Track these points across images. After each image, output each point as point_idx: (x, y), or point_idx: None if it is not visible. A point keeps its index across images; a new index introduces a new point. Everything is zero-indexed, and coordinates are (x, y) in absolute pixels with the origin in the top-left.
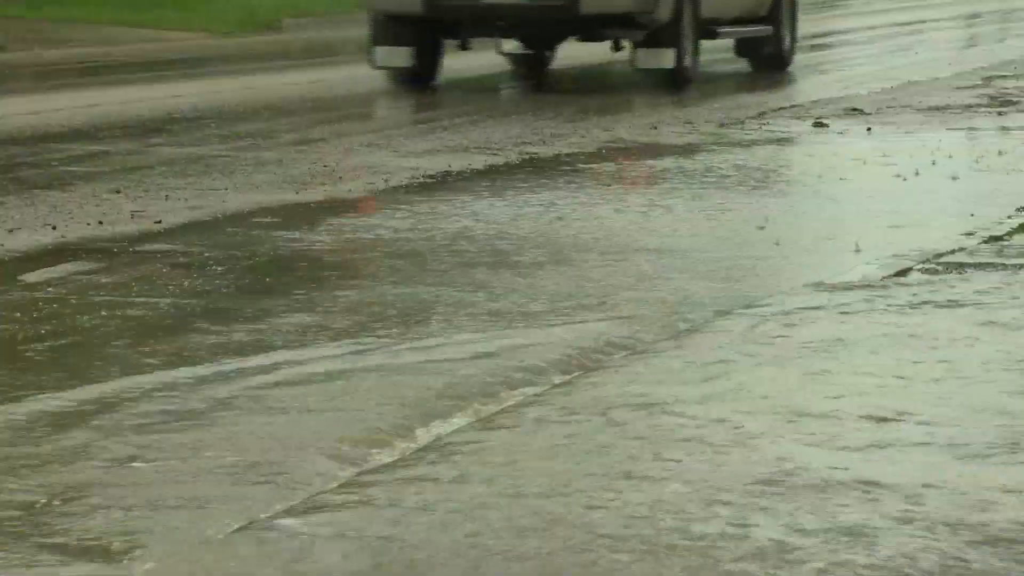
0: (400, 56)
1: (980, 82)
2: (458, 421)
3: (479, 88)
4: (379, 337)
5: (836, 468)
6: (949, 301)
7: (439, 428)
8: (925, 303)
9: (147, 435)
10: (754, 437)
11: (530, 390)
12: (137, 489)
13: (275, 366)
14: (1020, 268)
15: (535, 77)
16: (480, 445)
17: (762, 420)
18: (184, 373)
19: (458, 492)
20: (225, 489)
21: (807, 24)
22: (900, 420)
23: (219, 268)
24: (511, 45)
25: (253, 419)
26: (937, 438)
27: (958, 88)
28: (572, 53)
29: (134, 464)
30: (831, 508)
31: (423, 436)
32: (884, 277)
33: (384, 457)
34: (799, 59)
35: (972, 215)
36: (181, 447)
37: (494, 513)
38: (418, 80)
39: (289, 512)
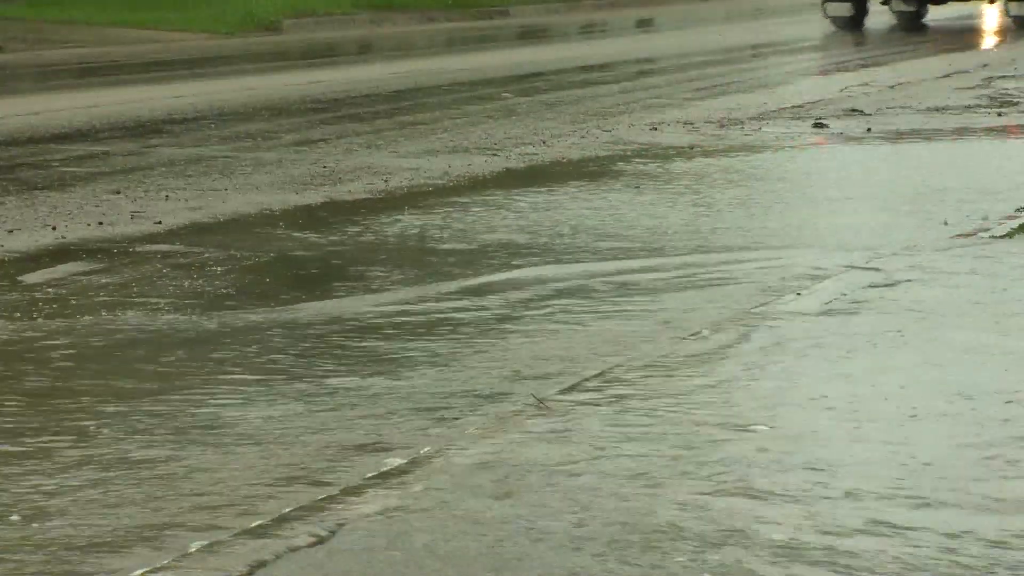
0: (843, 8)
1: (980, 82)
2: None
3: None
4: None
5: None
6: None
7: None
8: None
9: None
10: None
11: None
12: None
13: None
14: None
15: (915, 28)
16: None
17: None
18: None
19: None
20: None
21: (808, 24)
22: None
23: (233, 266)
24: (904, 4)
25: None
26: None
27: (958, 88)
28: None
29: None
30: None
31: None
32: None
33: None
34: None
35: (967, 216)
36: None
37: None
38: (852, 25)
39: None
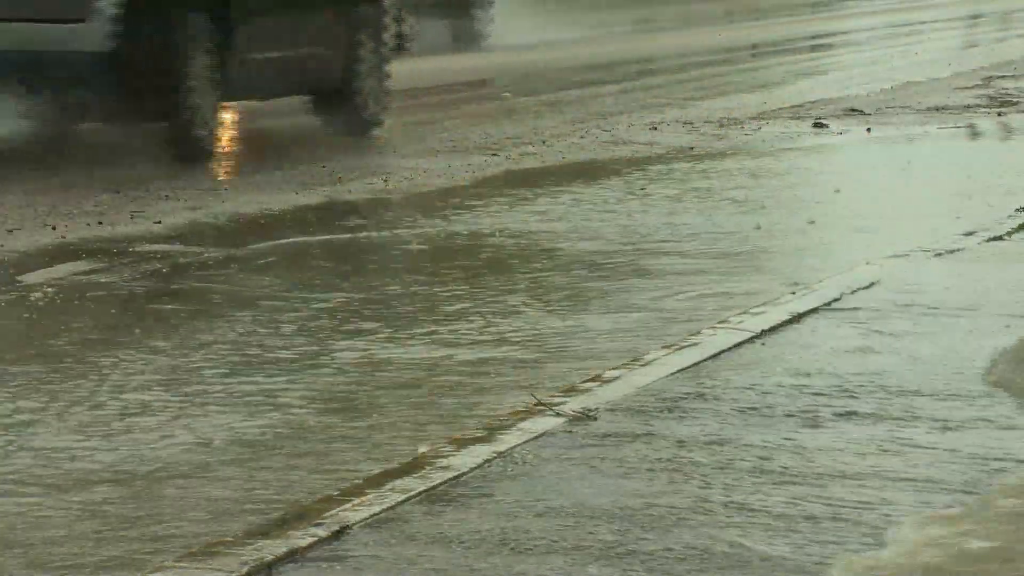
0: None
1: (980, 82)
2: None
3: None
4: None
5: None
6: None
7: None
8: None
9: None
10: None
11: None
12: None
13: None
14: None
15: None
16: None
17: None
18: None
19: None
20: None
21: (807, 24)
22: None
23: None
24: None
25: None
26: None
27: (958, 88)
28: None
29: None
30: None
31: None
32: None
33: None
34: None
35: (958, 217)
36: None
37: None
38: None
39: None
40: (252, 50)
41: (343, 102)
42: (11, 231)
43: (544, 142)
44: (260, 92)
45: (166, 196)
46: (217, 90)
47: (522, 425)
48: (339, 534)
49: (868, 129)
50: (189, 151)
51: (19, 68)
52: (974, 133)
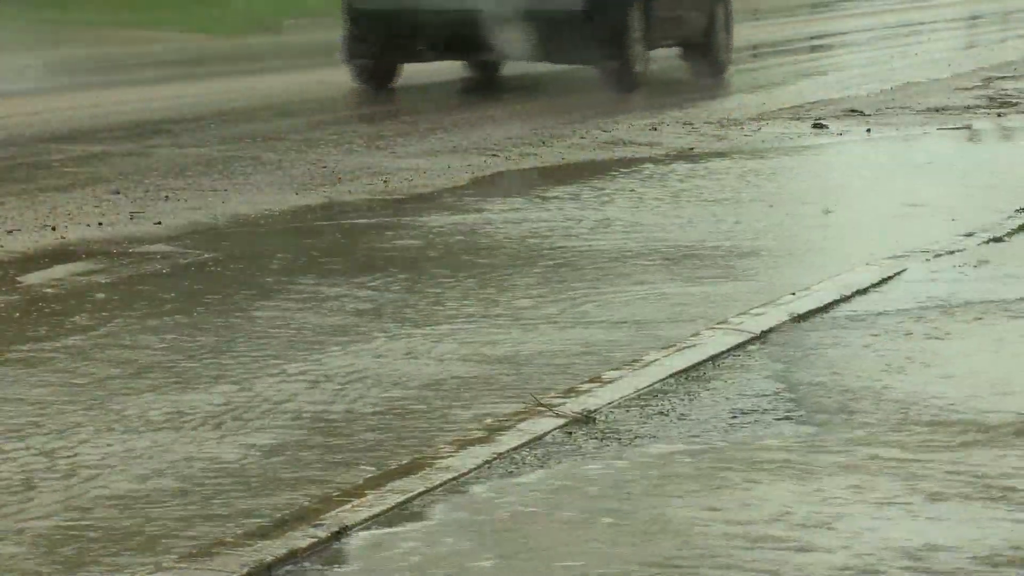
0: None
1: (980, 83)
2: None
3: None
4: None
5: None
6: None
7: None
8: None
9: None
10: None
11: None
12: None
13: None
14: None
15: None
16: None
17: None
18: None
19: None
20: None
21: (807, 24)
22: None
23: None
24: None
25: None
26: None
27: (957, 89)
28: None
29: None
30: None
31: None
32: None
33: None
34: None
35: (955, 219)
36: None
37: None
38: None
39: None
40: (662, 10)
41: (704, 51)
42: (11, 231)
43: (544, 142)
44: (662, 43)
45: (166, 196)
46: (643, 40)
47: (522, 426)
48: (339, 535)
49: (868, 130)
50: (628, 84)
51: (519, 23)
52: (974, 134)
